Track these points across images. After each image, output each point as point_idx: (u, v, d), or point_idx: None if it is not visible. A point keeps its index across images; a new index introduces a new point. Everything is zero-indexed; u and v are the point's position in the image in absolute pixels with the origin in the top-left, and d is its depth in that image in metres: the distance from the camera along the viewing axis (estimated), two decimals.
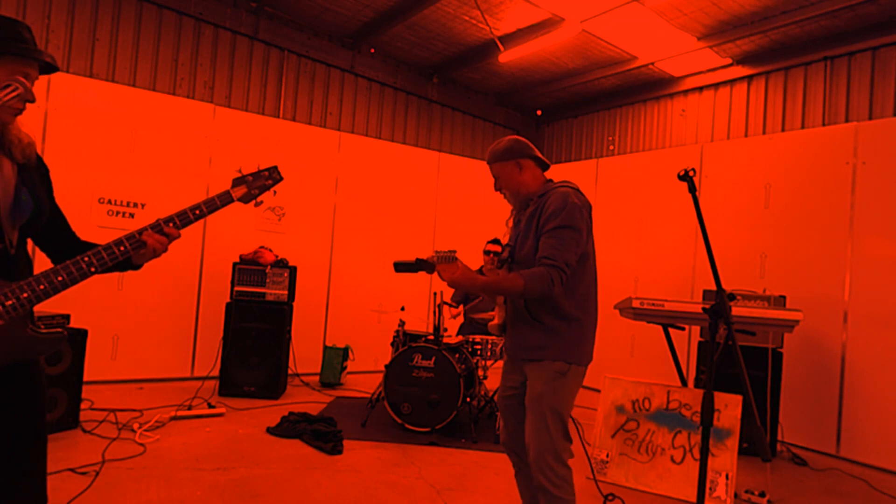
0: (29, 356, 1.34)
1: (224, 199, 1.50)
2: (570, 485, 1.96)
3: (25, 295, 1.25)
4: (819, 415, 4.25)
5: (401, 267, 2.14)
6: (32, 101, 1.33)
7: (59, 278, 1.28)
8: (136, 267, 1.44)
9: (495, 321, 2.21)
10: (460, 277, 1.93)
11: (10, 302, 1.23)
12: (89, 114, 4.68)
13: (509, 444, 2.24)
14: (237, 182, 1.55)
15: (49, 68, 1.38)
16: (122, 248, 1.36)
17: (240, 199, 1.54)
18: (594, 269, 2.11)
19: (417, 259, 2.09)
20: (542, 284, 1.89)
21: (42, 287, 1.26)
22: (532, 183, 2.14)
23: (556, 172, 2.49)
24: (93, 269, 1.33)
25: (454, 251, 2.03)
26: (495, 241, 5.03)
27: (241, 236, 5.26)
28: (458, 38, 7.13)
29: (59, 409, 3.41)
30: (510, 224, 2.30)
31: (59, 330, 1.33)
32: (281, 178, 1.60)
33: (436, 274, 2.03)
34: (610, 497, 2.92)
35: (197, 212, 1.45)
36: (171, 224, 1.42)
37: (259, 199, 1.57)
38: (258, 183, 1.57)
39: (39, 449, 1.41)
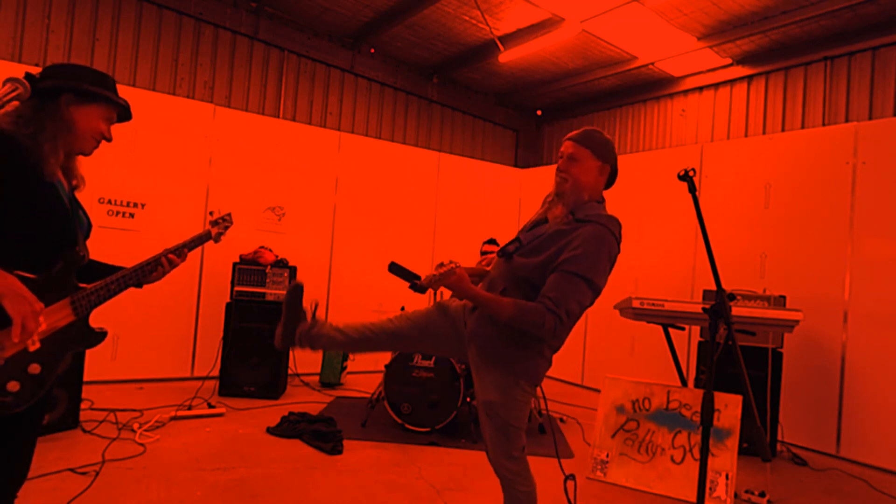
0: (84, 347, 1.62)
1: (207, 237, 1.94)
2: (526, 476, 2.00)
3: (93, 297, 1.58)
4: (819, 415, 4.25)
5: (396, 270, 2.02)
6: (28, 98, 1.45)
7: (113, 286, 1.62)
8: (140, 285, 1.74)
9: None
10: (455, 282, 1.82)
11: (84, 302, 1.55)
12: None
13: (406, 325, 2.16)
14: (213, 224, 2.00)
15: (125, 115, 1.69)
16: (149, 267, 1.71)
17: (212, 238, 1.98)
18: None
19: (415, 277, 1.95)
20: (534, 323, 1.79)
21: (103, 293, 1.60)
22: (593, 193, 2.00)
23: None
24: (131, 282, 1.66)
25: (453, 263, 1.90)
26: (491, 241, 5.03)
27: (241, 236, 5.26)
28: (458, 38, 7.13)
29: (59, 409, 3.40)
30: (541, 210, 2.12)
31: (104, 328, 1.62)
32: (232, 223, 2.08)
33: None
34: (570, 478, 2.82)
35: (191, 243, 1.86)
36: (176, 253, 1.79)
37: (221, 238, 2.03)
38: (224, 225, 2.03)
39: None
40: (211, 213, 2.03)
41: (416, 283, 1.91)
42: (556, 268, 1.84)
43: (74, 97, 1.53)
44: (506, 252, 2.04)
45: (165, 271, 1.75)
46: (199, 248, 5.14)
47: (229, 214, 2.06)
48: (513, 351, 1.94)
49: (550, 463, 2.00)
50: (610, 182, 2.06)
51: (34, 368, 1.43)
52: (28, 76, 1.43)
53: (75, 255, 1.55)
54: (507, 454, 1.97)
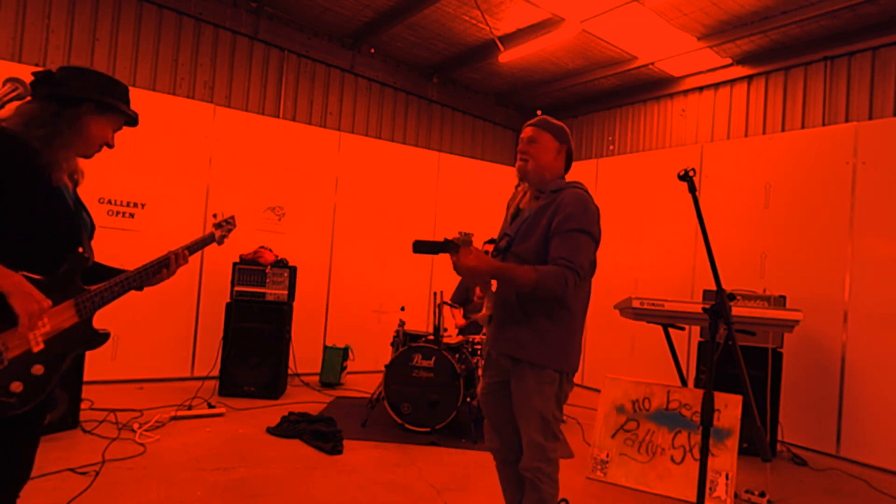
0: (87, 349, 1.62)
1: (211, 239, 1.97)
2: (555, 480, 2.00)
3: (97, 299, 1.56)
4: (819, 415, 4.25)
5: (421, 247, 1.98)
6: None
7: (117, 289, 1.61)
8: (141, 288, 1.73)
9: (483, 312, 2.14)
10: (475, 260, 1.89)
11: (87, 304, 1.54)
12: None
13: (496, 441, 2.16)
14: (216, 226, 2.02)
15: (132, 124, 1.71)
16: (152, 269, 1.71)
17: (216, 241, 2.01)
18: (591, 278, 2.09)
19: (445, 239, 1.94)
20: (557, 283, 1.85)
21: (107, 294, 1.58)
22: (555, 173, 2.12)
23: None
24: (134, 284, 1.65)
25: (472, 234, 1.98)
26: (492, 242, 5.02)
27: (241, 236, 5.23)
28: (458, 38, 7.13)
29: (59, 409, 3.41)
30: (511, 209, 2.21)
31: (107, 329, 1.62)
32: (235, 226, 2.09)
33: (448, 260, 1.93)
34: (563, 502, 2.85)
35: (194, 246, 1.87)
36: (185, 252, 1.80)
37: (224, 241, 2.05)
38: (227, 228, 2.05)
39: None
40: (214, 216, 2.04)
41: (452, 242, 1.90)
42: (555, 233, 1.94)
43: (95, 108, 1.56)
44: (501, 249, 2.09)
45: (172, 271, 1.76)
46: None
47: (232, 217, 2.07)
48: (541, 339, 1.95)
49: None
50: (567, 165, 2.19)
51: (37, 369, 1.43)
52: (44, 76, 1.44)
53: (81, 256, 1.55)
54: (545, 457, 1.95)
